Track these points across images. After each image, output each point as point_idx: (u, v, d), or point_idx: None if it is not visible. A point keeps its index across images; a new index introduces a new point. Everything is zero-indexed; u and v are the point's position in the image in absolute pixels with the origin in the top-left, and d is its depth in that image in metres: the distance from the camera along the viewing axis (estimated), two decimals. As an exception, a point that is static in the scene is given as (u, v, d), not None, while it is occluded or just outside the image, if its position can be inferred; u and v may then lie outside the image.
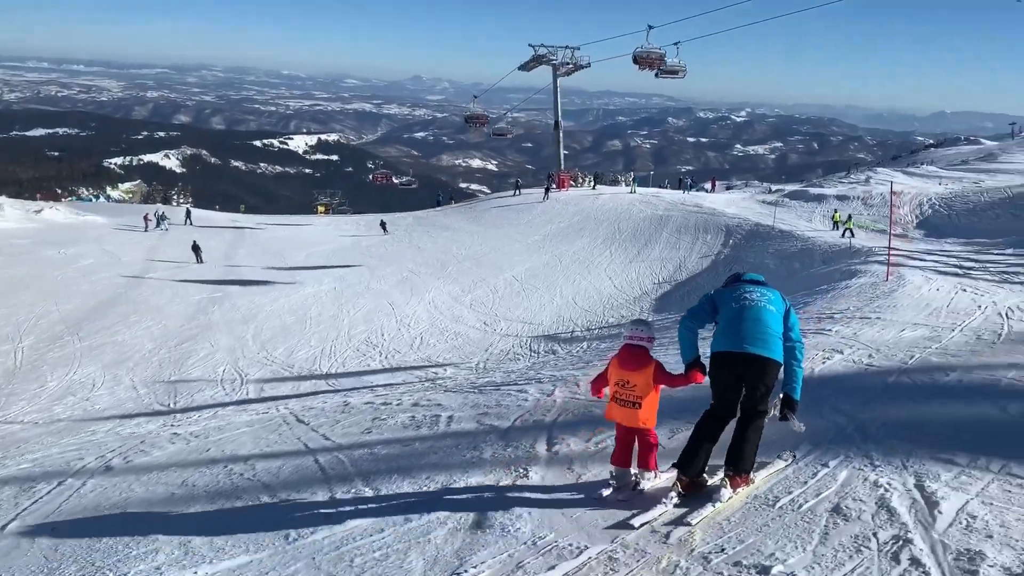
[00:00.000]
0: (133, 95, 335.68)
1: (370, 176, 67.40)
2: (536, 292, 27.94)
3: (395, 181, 73.87)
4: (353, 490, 5.12)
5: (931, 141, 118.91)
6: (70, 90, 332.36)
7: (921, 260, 17.88)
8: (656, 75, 48.60)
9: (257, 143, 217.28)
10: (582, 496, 4.85)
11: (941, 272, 15.16)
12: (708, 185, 69.17)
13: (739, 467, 4.67)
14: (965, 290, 12.19)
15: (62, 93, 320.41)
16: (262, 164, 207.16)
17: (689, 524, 4.26)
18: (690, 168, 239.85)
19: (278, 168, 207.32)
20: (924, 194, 32.56)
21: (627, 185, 52.57)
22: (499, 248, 36.02)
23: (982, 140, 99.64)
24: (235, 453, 6.66)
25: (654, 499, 4.66)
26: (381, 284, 30.03)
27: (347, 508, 4.81)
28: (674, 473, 4.81)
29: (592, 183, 54.34)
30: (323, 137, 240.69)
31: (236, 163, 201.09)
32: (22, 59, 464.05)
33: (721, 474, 4.72)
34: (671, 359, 5.26)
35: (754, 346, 4.62)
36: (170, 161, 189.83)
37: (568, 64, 51.73)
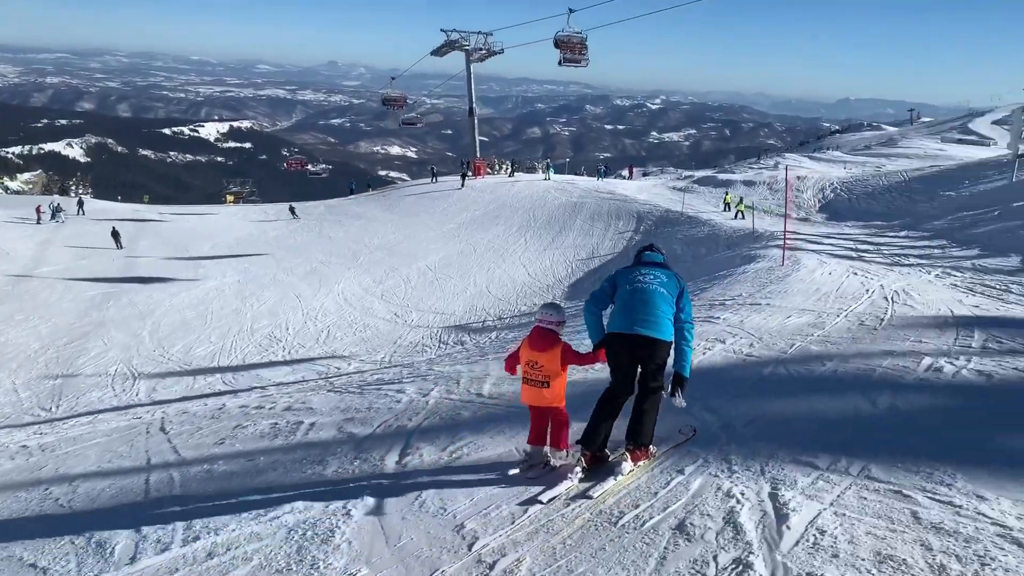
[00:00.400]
0: (30, 81, 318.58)
1: (284, 163, 65.12)
2: (450, 281, 27.54)
3: (309, 168, 71.69)
4: (160, 528, 4.53)
5: (837, 127, 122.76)
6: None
7: (819, 244, 18.17)
8: (559, 63, 48.70)
9: (166, 131, 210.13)
10: (485, 476, 5.08)
11: (836, 256, 15.38)
12: (625, 172, 69.80)
13: (638, 441, 4.93)
14: (856, 273, 12.32)
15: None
16: (172, 153, 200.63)
17: (591, 497, 4.47)
18: (608, 155, 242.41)
19: (189, 157, 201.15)
20: (826, 178, 33.37)
21: (543, 172, 52.34)
22: (413, 237, 35.43)
23: (884, 126, 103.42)
24: (68, 472, 6.10)
25: (560, 475, 4.86)
26: (288, 276, 29.15)
27: (144, 547, 4.31)
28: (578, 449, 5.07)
29: (510, 170, 54.14)
30: (235, 124, 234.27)
31: (144, 152, 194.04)
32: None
33: (622, 448, 4.99)
34: (587, 342, 5.27)
35: (644, 328, 4.82)
36: (73, 150, 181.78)
37: (481, 50, 51.09)
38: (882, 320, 9.00)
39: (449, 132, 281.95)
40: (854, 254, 15.59)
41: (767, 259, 15.39)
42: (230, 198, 67.73)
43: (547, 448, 5.26)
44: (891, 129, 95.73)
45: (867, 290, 10.85)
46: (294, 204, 45.22)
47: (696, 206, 34.12)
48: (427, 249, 32.62)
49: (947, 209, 21.33)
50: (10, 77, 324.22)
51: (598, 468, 4.91)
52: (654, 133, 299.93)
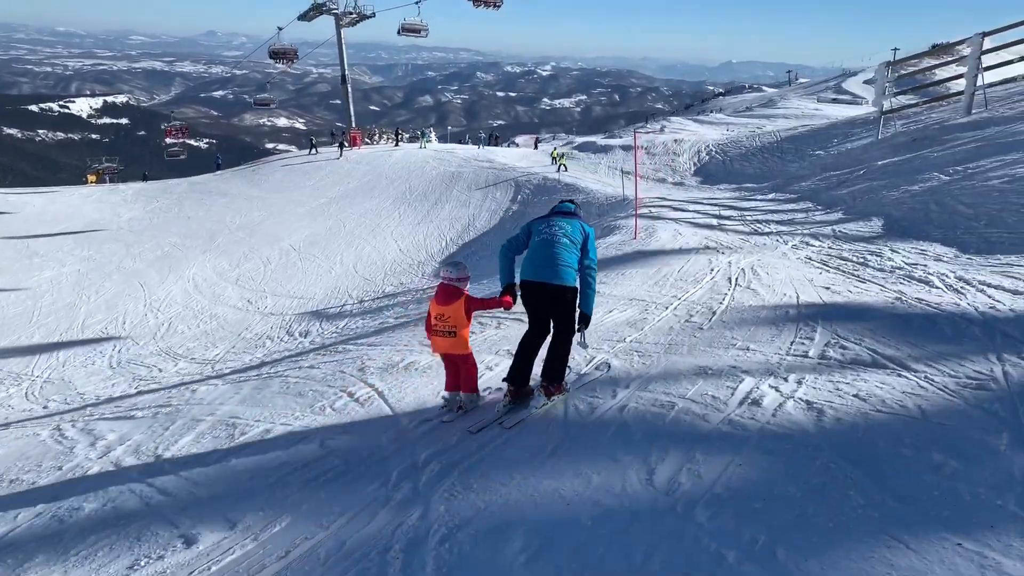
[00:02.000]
0: None
1: (163, 128, 60.59)
2: (314, 262, 25.74)
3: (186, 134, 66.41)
4: None
5: (720, 90, 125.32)
6: None
7: (683, 210, 17.41)
8: (399, 32, 49.30)
9: (33, 108, 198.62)
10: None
11: (698, 224, 14.55)
12: (519, 140, 68.88)
13: (551, 378, 5.64)
14: (708, 247, 11.52)
15: None
16: (40, 131, 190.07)
17: (505, 427, 5.31)
18: (501, 123, 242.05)
19: (60, 135, 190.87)
20: (703, 141, 32.97)
21: (421, 141, 50.44)
22: (279, 214, 33.24)
23: (764, 88, 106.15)
24: None
25: (489, 409, 5.70)
26: (136, 262, 26.69)
27: None
28: (505, 387, 5.77)
29: (394, 140, 52.07)
30: (110, 99, 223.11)
31: (10, 131, 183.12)
32: None
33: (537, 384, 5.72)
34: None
35: (547, 276, 5.38)
36: None
37: (351, 14, 48.65)
38: (714, 313, 7.97)
39: (338, 102, 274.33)
40: (715, 222, 14.77)
41: (624, 231, 14.48)
42: (92, 178, 63.09)
43: (460, 393, 5.87)
44: (771, 90, 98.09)
45: (712, 269, 9.85)
46: (147, 177, 41.99)
47: (575, 173, 33.24)
48: (293, 227, 30.59)
49: (815, 169, 20.94)
50: None
51: (522, 402, 5.65)
52: (546, 100, 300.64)
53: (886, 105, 21.16)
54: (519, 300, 5.69)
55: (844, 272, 8.93)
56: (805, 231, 12.53)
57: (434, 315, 5.70)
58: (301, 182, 40.29)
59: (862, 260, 9.41)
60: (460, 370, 5.84)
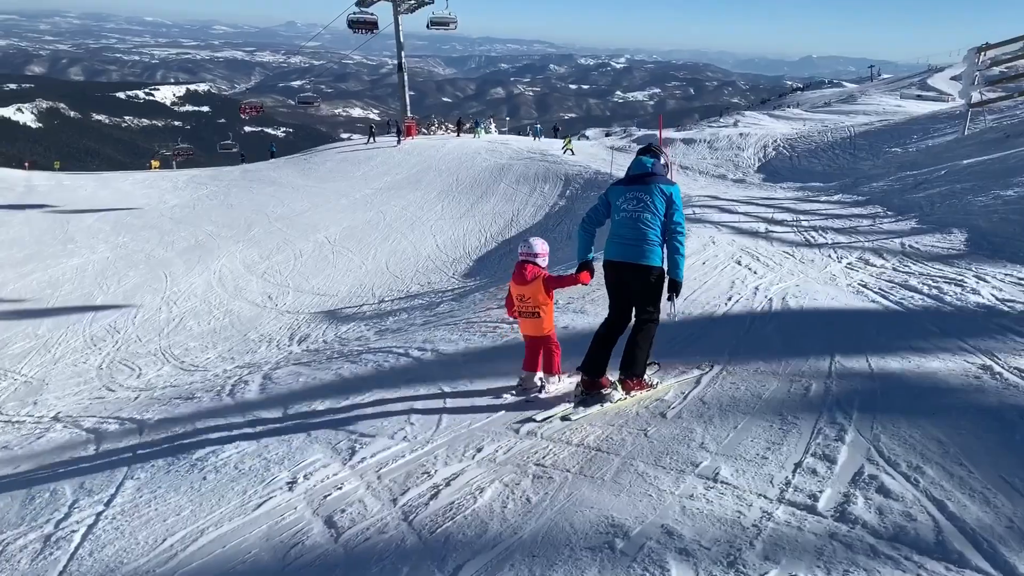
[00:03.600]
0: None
1: (239, 108, 60.71)
2: (345, 256, 24.49)
3: (262, 110, 66.10)
4: None
5: (799, 85, 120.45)
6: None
7: (732, 212, 15.34)
8: (428, 26, 48.86)
9: (121, 95, 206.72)
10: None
11: (740, 230, 12.53)
12: (589, 133, 67.05)
13: (629, 371, 5.15)
14: (740, 262, 9.55)
15: None
16: (127, 117, 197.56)
17: (569, 419, 4.88)
18: (572, 116, 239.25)
19: (144, 121, 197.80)
20: (770, 135, 30.55)
21: (474, 130, 49.42)
22: (321, 205, 32.21)
23: (845, 83, 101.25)
24: None
25: (559, 399, 5.36)
26: (166, 251, 25.91)
27: None
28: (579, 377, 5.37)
29: (457, 129, 51.07)
30: (192, 87, 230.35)
31: (98, 117, 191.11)
32: None
33: (616, 379, 5.18)
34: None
35: (630, 256, 5.02)
36: (24, 115, 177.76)
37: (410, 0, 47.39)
38: (697, 383, 5.43)
39: (412, 93, 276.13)
40: (763, 228, 12.72)
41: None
42: (155, 164, 63.77)
43: (540, 373, 5.67)
44: (851, 86, 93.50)
45: (730, 298, 7.75)
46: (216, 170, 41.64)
47: (621, 162, 31.20)
48: (332, 218, 29.46)
49: (890, 168, 18.62)
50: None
51: (595, 393, 5.14)
52: (618, 92, 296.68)
53: (975, 97, 18.59)
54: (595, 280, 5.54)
55: (909, 308, 6.88)
56: (868, 243, 10.42)
57: (516, 296, 5.58)
58: (351, 171, 39.33)
59: (936, 291, 7.32)
60: (540, 350, 5.66)
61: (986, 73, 18.58)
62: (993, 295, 7.07)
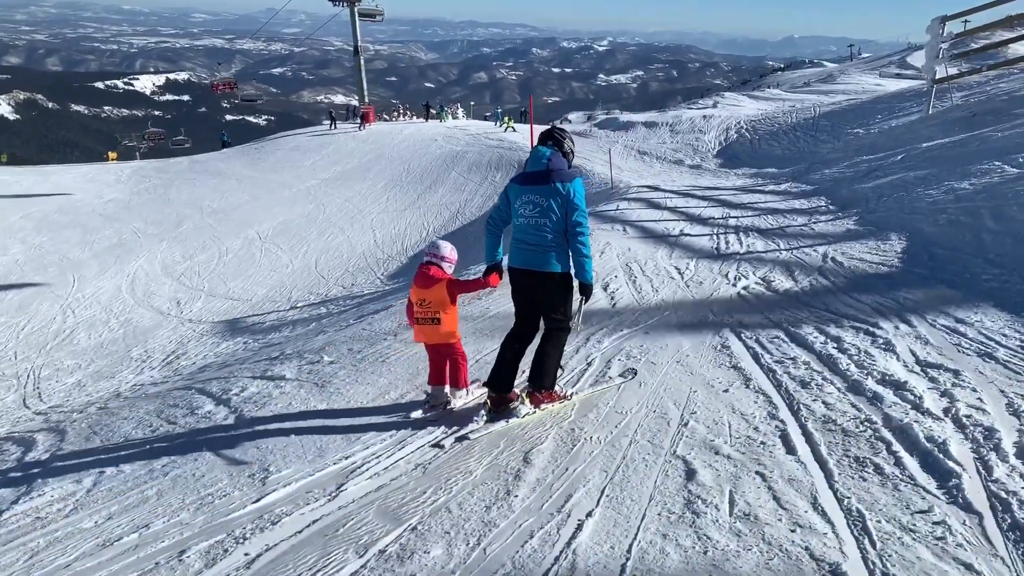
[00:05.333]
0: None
1: (211, 83, 58.32)
2: (274, 254, 22.78)
3: (239, 92, 63.33)
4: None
5: (780, 65, 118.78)
6: None
7: (659, 207, 13.65)
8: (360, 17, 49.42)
9: (99, 85, 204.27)
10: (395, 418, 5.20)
11: (653, 234, 10.88)
12: (572, 116, 65.27)
13: (537, 383, 4.89)
14: (609, 286, 7.99)
15: None
16: (106, 108, 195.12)
17: (468, 438, 4.60)
18: (556, 99, 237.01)
19: (124, 111, 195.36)
20: (734, 117, 28.86)
21: (440, 115, 48.03)
22: (260, 197, 30.37)
23: (824, 63, 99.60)
24: None
25: (467, 417, 4.95)
26: (84, 252, 24.09)
27: None
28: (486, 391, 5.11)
29: (425, 115, 49.70)
30: (172, 76, 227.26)
31: (77, 107, 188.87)
32: None
33: (523, 391, 4.93)
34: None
35: (530, 262, 4.73)
36: (1, 107, 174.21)
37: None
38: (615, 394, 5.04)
39: (394, 79, 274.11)
40: (679, 229, 11.06)
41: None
42: (112, 156, 61.49)
43: (447, 387, 5.32)
44: (831, 66, 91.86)
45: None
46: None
47: (586, 154, 29.48)
48: (269, 213, 27.66)
49: (848, 152, 17.03)
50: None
51: (504, 409, 4.92)
52: (601, 75, 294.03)
53: (939, 72, 16.87)
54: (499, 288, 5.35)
55: (761, 392, 5.18)
56: (785, 254, 8.77)
57: (416, 300, 5.24)
58: (300, 161, 37.49)
59: (832, 348, 5.68)
60: (446, 362, 5.30)
61: (949, 45, 16.85)
62: (909, 359, 5.34)
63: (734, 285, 7.76)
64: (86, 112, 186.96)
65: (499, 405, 4.98)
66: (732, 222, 11.05)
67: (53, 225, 27.82)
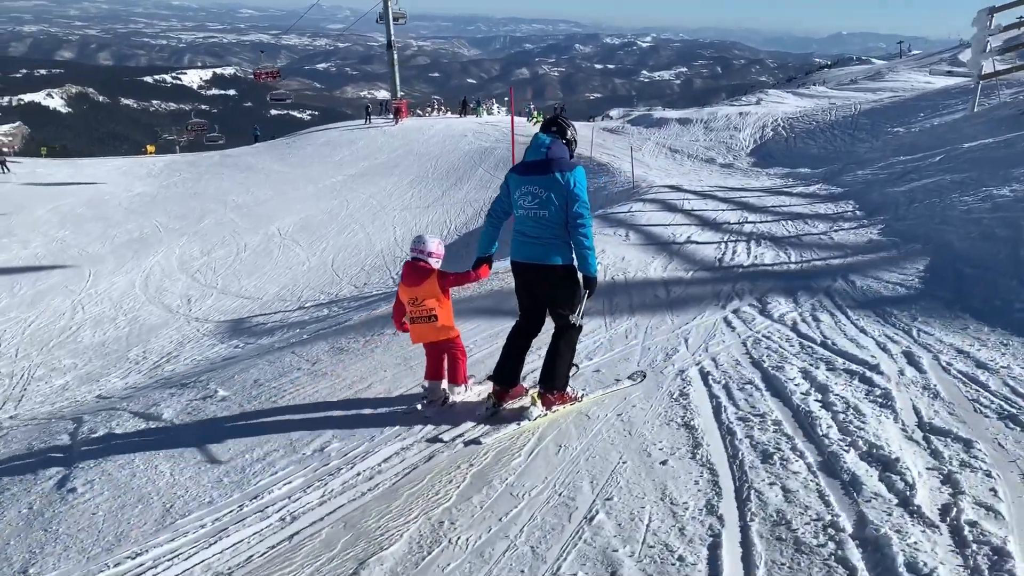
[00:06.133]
0: (8, 30, 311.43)
1: (254, 72, 57.94)
2: (291, 251, 22.39)
3: (271, 94, 63.08)
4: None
5: (826, 62, 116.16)
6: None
7: (675, 210, 12.82)
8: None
9: (148, 79, 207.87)
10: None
11: (653, 238, 10.07)
12: (614, 113, 64.41)
13: (548, 384, 4.71)
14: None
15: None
16: (155, 102, 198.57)
17: (479, 443, 4.35)
18: (598, 96, 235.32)
19: (172, 105, 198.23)
20: (771, 115, 27.79)
21: (476, 110, 47.86)
22: (285, 193, 30.07)
23: (873, 60, 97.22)
24: None
25: (469, 412, 4.87)
26: (103, 246, 23.94)
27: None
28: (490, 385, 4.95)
29: (462, 110, 49.68)
30: (219, 71, 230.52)
31: (127, 101, 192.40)
32: None
33: (535, 392, 4.73)
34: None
35: (532, 255, 4.58)
36: (54, 100, 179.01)
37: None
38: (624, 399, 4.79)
39: (436, 75, 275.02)
40: (687, 236, 10.22)
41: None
42: (150, 149, 62.18)
43: (445, 383, 5.18)
44: (880, 63, 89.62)
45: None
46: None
47: (616, 151, 28.64)
48: (292, 208, 27.32)
49: (886, 152, 16.02)
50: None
51: (512, 404, 4.84)
52: (644, 72, 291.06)
53: (986, 67, 15.72)
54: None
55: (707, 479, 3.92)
56: (793, 266, 7.92)
57: (406, 301, 5.05)
58: (329, 156, 37.24)
59: (802, 424, 4.36)
60: (445, 356, 5.15)
61: (1000, 40, 15.70)
62: (910, 421, 4.22)
63: (723, 308, 6.91)
64: (135, 106, 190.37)
65: (503, 399, 4.88)
66: (748, 228, 10.23)
67: (78, 219, 27.81)
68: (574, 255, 4.59)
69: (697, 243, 9.61)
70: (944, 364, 5.00)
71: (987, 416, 4.13)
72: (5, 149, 59.32)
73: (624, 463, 4.06)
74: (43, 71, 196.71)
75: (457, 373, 5.17)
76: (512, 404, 4.89)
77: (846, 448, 3.89)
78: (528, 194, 4.58)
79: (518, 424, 4.53)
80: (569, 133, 4.78)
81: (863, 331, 5.89)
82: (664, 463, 4.03)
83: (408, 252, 5.27)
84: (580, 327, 4.76)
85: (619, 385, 5.16)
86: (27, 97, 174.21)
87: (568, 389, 4.84)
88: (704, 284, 7.69)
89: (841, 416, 4.27)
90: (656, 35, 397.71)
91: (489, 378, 5.04)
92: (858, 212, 10.17)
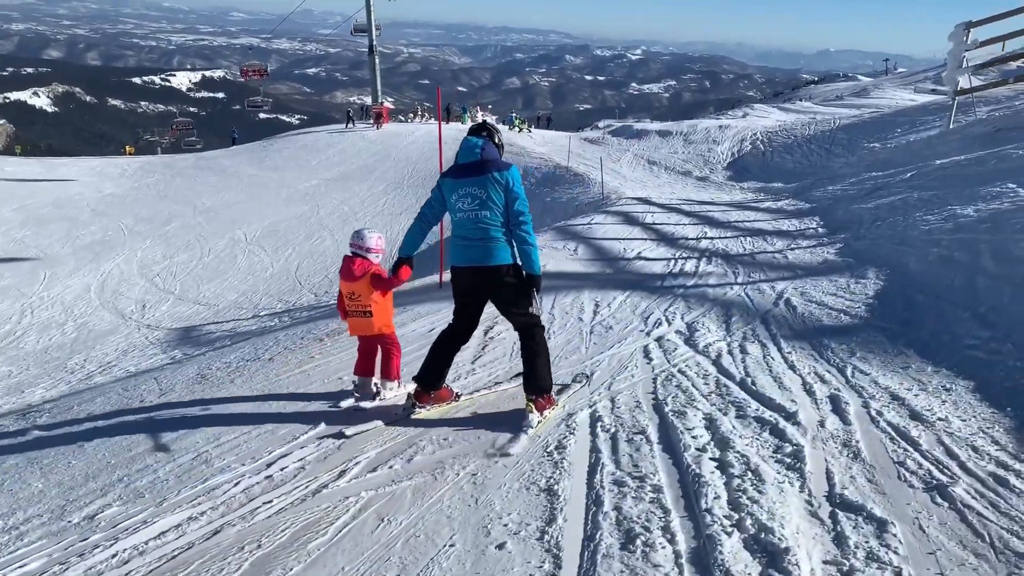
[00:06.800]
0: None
1: (240, 69, 56.74)
2: (256, 256, 21.85)
3: (247, 100, 61.51)
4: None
5: (814, 78, 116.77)
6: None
7: (635, 222, 12.37)
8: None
9: (137, 80, 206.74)
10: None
11: (603, 253, 9.59)
12: (602, 123, 64.12)
13: (535, 388, 4.57)
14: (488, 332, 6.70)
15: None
16: (143, 103, 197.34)
17: (509, 454, 4.09)
18: (588, 107, 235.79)
19: (160, 107, 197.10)
20: (750, 128, 27.48)
21: (462, 117, 47.66)
22: (256, 197, 29.48)
23: (859, 77, 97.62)
24: None
25: (387, 411, 4.79)
26: (63, 247, 23.33)
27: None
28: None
29: (446, 117, 49.31)
30: (208, 74, 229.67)
31: (114, 102, 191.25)
32: None
33: (524, 401, 4.61)
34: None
35: (475, 258, 4.52)
36: (40, 99, 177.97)
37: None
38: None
39: (426, 82, 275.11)
40: (638, 252, 9.74)
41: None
42: (130, 150, 61.48)
43: (376, 378, 5.16)
44: (866, 80, 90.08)
45: None
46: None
47: (594, 161, 28.25)
48: (260, 213, 26.73)
49: (859, 167, 15.69)
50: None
51: (435, 405, 4.83)
52: (634, 84, 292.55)
53: (962, 83, 15.41)
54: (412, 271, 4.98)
55: None
56: (735, 289, 7.40)
57: (345, 294, 5.09)
58: (306, 160, 36.63)
59: (685, 494, 3.51)
60: (376, 350, 5.16)
61: (984, 52, 15.40)
62: (817, 490, 3.42)
63: (647, 335, 6.27)
64: (123, 107, 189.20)
65: (424, 400, 4.81)
66: (704, 244, 9.78)
67: (42, 219, 27.13)
68: (519, 255, 4.54)
69: (646, 259, 9.12)
70: (873, 413, 4.28)
71: (912, 486, 3.39)
72: None
73: (450, 547, 3.20)
74: (30, 69, 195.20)
75: (390, 368, 5.13)
76: (429, 407, 4.80)
77: (729, 530, 3.08)
78: (467, 196, 4.49)
79: (525, 433, 4.27)
80: (497, 137, 4.76)
81: (792, 367, 5.23)
82: (501, 547, 3.16)
83: (349, 246, 5.13)
84: (542, 325, 4.69)
85: (572, 389, 5.07)
86: (13, 95, 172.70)
87: (552, 392, 4.71)
88: (636, 306, 7.09)
89: (736, 482, 3.49)
90: (646, 48, 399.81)
91: (414, 379, 4.90)
92: (820, 229, 9.75)
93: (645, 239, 10.58)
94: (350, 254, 5.06)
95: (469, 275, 4.58)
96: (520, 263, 4.57)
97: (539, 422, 4.47)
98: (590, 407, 4.67)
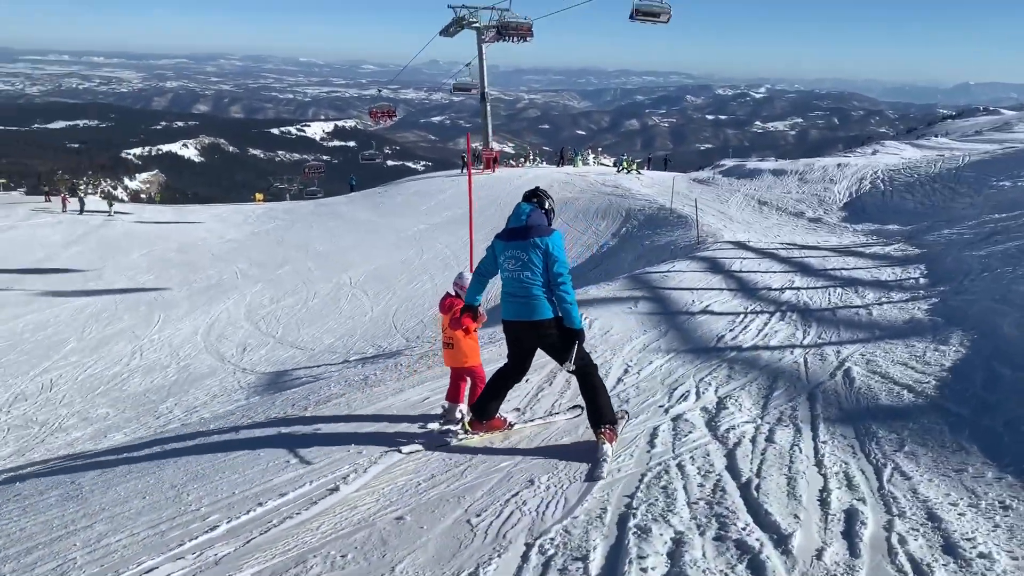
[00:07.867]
0: (152, 86, 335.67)
1: (369, 110, 57.29)
2: (358, 300, 22.15)
3: (393, 119, 62.40)
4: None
5: (950, 113, 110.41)
6: (91, 82, 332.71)
7: (720, 270, 11.51)
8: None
9: (275, 131, 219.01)
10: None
11: (663, 309, 8.82)
12: (726, 162, 63.10)
13: (600, 422, 4.89)
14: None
15: (83, 85, 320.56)
16: (280, 152, 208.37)
17: (601, 478, 4.34)
18: (709, 146, 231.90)
19: (296, 156, 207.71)
20: (871, 166, 25.86)
21: (574, 160, 47.87)
22: (365, 241, 30.16)
23: (1002, 110, 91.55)
24: None
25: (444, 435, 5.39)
26: (180, 292, 24.44)
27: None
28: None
29: (559, 159, 49.94)
30: (340, 123, 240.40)
31: (254, 151, 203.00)
32: (43, 52, 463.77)
33: (595, 436, 4.85)
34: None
35: (520, 313, 4.98)
36: (188, 151, 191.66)
37: (492, 27, 45.01)
38: None
39: (546, 126, 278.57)
40: (703, 306, 8.87)
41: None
42: (259, 197, 64.68)
43: (462, 405, 5.75)
44: (1009, 113, 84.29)
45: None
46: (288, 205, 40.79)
47: (704, 201, 27.27)
48: (367, 257, 27.26)
49: (984, 208, 14.30)
50: (134, 83, 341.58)
51: (487, 433, 5.29)
52: (758, 123, 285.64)
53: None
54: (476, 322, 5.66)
55: None
56: (794, 354, 6.40)
57: (442, 327, 5.80)
58: (417, 205, 37.31)
59: None
60: (465, 380, 5.75)
61: None
62: None
63: (666, 412, 5.50)
64: (262, 156, 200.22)
65: (477, 429, 5.32)
66: (785, 296, 8.88)
67: (164, 264, 28.65)
68: (560, 311, 4.93)
69: (711, 314, 8.30)
70: (894, 541, 3.29)
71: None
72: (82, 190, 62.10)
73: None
74: (180, 123, 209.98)
75: (475, 398, 5.56)
76: (480, 434, 5.27)
77: None
78: (512, 258, 5.01)
79: (605, 462, 4.48)
80: (547, 204, 5.22)
81: (819, 463, 4.30)
82: None
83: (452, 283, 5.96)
84: (595, 365, 5.12)
85: (557, 418, 5.56)
86: (165, 147, 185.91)
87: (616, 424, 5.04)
88: (670, 373, 6.30)
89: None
90: (771, 86, 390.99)
91: (470, 408, 5.46)
92: (922, 280, 8.70)
93: (722, 289, 9.77)
94: (451, 293, 5.81)
95: (516, 327, 5.09)
96: (563, 319, 4.93)
97: (609, 452, 4.70)
98: (539, 547, 3.61)
